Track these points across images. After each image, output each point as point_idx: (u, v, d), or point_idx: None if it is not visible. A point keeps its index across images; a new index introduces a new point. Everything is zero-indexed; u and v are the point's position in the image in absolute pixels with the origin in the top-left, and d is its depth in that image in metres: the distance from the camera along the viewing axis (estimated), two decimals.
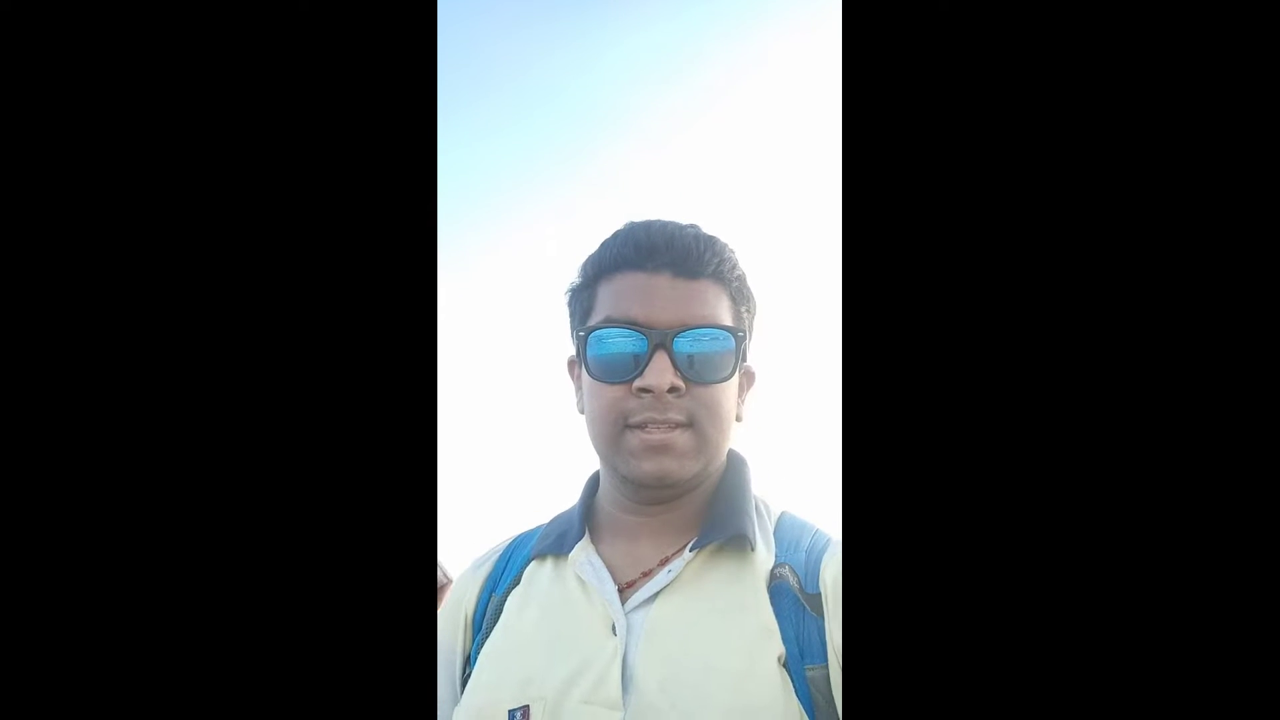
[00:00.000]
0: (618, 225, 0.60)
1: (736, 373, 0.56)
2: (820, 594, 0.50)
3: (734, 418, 0.59)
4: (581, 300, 0.60)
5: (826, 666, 0.47)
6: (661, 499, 0.57)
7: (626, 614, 0.52)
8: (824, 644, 0.48)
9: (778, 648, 0.48)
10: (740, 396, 0.61)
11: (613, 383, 0.54)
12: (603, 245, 0.59)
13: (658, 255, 0.55)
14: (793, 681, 0.47)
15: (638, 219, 0.59)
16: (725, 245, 0.59)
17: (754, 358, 0.63)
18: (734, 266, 0.58)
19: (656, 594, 0.53)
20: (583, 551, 0.58)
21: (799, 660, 0.48)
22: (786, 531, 0.57)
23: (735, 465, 0.61)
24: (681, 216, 0.60)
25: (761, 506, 0.59)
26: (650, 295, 0.55)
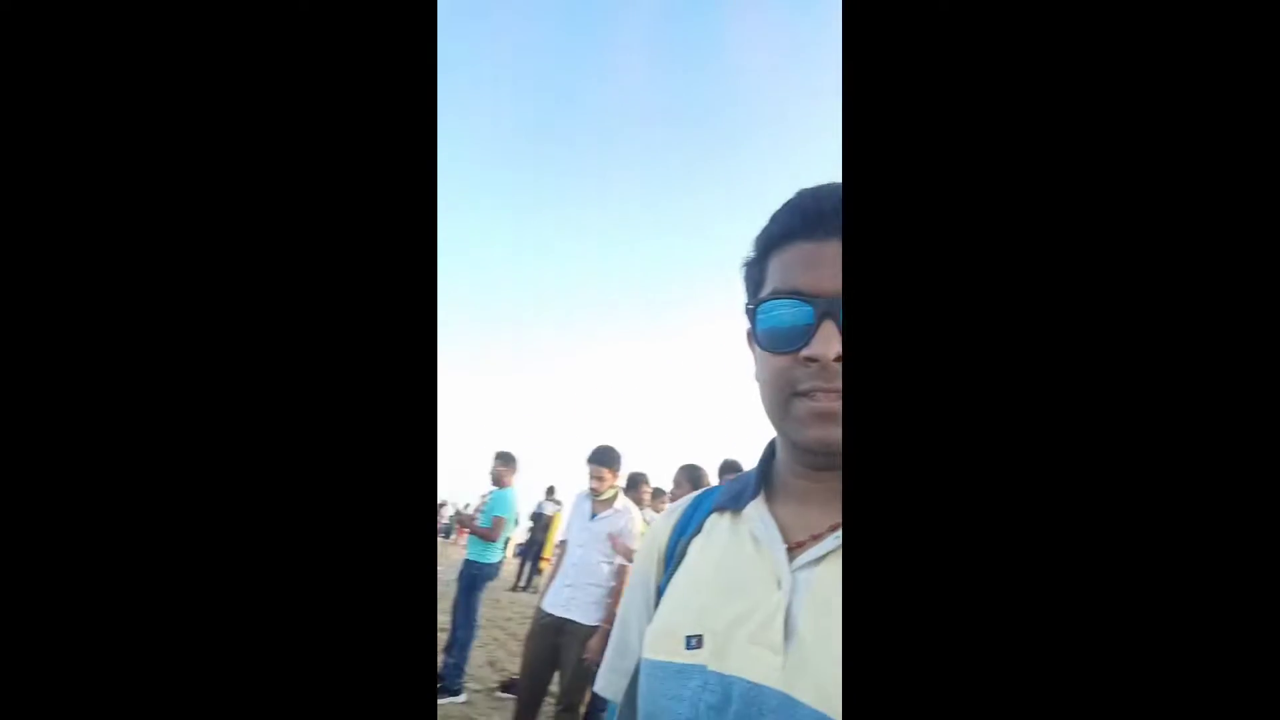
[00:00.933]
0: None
1: None
2: None
3: None
4: (753, 275, 0.63)
5: None
6: (832, 465, 0.57)
7: (792, 572, 0.56)
8: None
9: None
10: None
11: (780, 352, 0.56)
12: (772, 218, 0.61)
13: (826, 222, 0.55)
14: None
15: (808, 186, 0.60)
16: None
17: None
18: None
19: (822, 557, 0.55)
20: (756, 510, 0.62)
21: None
22: None
23: None
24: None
25: None
26: (817, 264, 0.55)
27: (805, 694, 0.49)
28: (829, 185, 0.58)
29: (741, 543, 0.62)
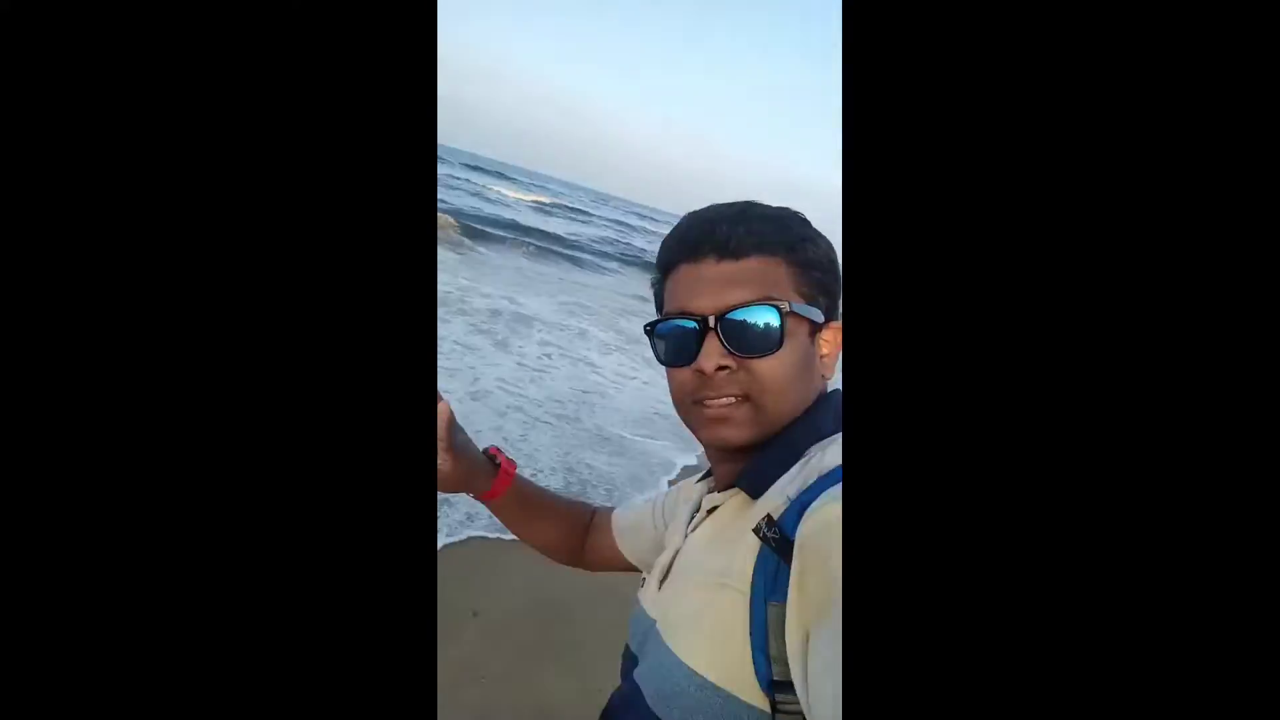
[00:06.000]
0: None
1: (784, 341, 0.61)
2: (795, 542, 0.52)
3: (801, 381, 0.63)
4: (658, 296, 0.70)
5: (783, 605, 0.51)
6: (733, 457, 0.66)
7: (685, 534, 0.70)
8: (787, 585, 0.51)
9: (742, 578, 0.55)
10: (824, 355, 0.67)
11: (678, 366, 0.64)
12: (663, 243, 0.68)
13: (701, 246, 0.63)
14: (751, 611, 0.53)
15: (694, 209, 0.67)
16: (772, 218, 0.64)
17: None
18: (783, 236, 0.63)
19: (700, 523, 0.68)
20: (699, 486, 0.77)
21: (762, 595, 0.53)
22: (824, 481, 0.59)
23: (801, 423, 0.64)
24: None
25: (817, 457, 0.61)
26: (697, 284, 0.63)
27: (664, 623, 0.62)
28: (704, 210, 0.66)
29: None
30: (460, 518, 2.86)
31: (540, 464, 3.83)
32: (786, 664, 0.49)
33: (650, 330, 0.67)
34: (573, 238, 18.91)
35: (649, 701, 0.57)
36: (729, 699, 0.52)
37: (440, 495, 0.78)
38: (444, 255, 11.16)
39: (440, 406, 0.72)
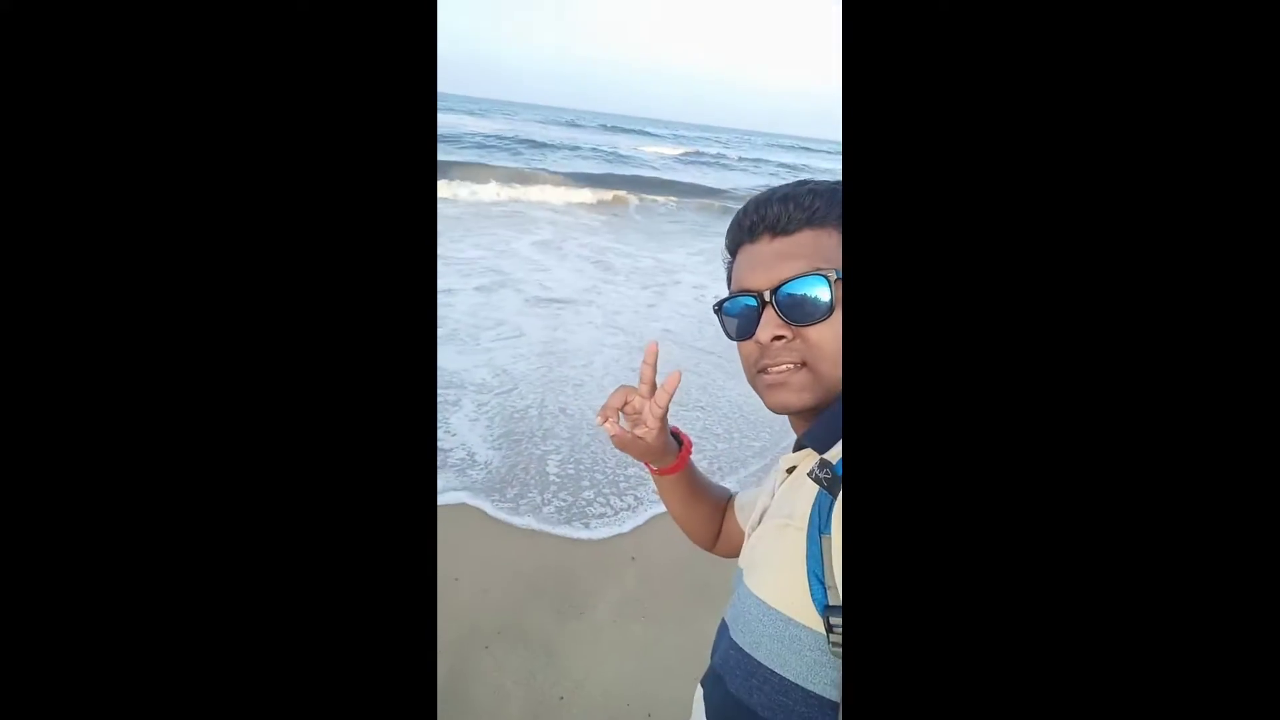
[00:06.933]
0: None
1: (835, 308, 0.65)
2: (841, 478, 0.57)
3: None
4: (729, 277, 0.77)
5: (829, 535, 0.56)
6: (805, 420, 0.71)
7: (772, 495, 0.73)
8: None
9: (802, 517, 0.60)
10: None
11: (744, 339, 0.71)
12: (728, 228, 0.75)
13: (756, 227, 0.70)
14: (807, 545, 0.58)
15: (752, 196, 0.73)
16: (822, 192, 0.68)
17: None
18: (833, 208, 0.68)
19: (781, 482, 0.71)
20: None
21: (816, 528, 0.58)
22: None
23: None
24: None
25: None
26: (754, 263, 0.70)
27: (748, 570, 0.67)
28: (760, 194, 0.71)
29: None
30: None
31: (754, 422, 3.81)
32: (839, 589, 0.54)
33: (718, 309, 0.74)
34: (714, 186, 18.63)
35: (731, 633, 0.65)
36: (790, 623, 0.58)
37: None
38: (587, 219, 11.57)
39: (672, 376, 0.77)
